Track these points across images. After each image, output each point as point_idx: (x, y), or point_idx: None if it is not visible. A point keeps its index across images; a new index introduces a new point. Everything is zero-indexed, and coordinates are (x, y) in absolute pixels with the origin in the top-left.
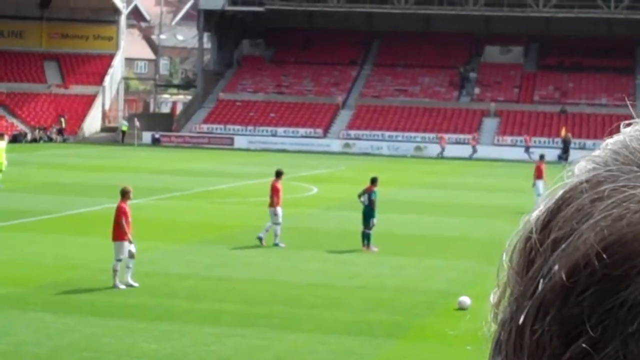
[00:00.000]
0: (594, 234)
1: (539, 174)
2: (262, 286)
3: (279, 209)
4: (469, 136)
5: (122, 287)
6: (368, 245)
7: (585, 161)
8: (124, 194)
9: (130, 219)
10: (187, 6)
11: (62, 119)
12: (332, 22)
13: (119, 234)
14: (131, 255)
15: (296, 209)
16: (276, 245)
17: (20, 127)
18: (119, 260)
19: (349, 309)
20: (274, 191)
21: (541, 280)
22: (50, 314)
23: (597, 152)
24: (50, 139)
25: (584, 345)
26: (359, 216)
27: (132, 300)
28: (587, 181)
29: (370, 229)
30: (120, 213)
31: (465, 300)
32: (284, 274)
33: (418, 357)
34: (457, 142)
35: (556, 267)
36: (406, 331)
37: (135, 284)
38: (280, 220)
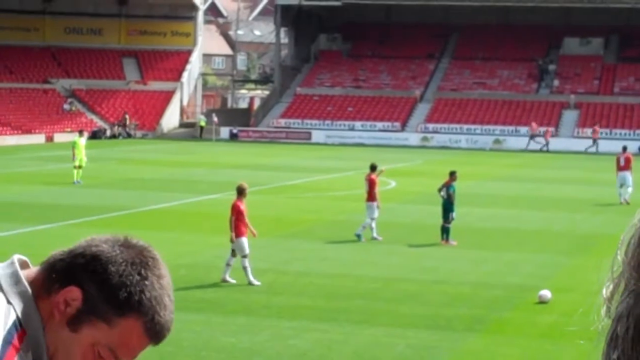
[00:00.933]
0: None
1: (626, 165)
2: (339, 280)
3: (375, 203)
4: (543, 129)
5: (257, 282)
6: (447, 239)
7: None
8: (240, 192)
9: (246, 218)
10: (264, 1)
11: (127, 116)
12: (409, 16)
13: (238, 231)
14: (243, 255)
15: None
16: (374, 239)
17: (100, 123)
18: (244, 256)
19: (427, 303)
20: (371, 185)
21: None
22: None
23: None
24: (129, 135)
25: None
26: (437, 210)
27: (210, 294)
28: None
29: (449, 222)
30: (233, 211)
31: (546, 293)
32: (361, 268)
33: (497, 352)
34: (537, 135)
35: None
36: (485, 325)
37: (257, 282)
38: (376, 214)
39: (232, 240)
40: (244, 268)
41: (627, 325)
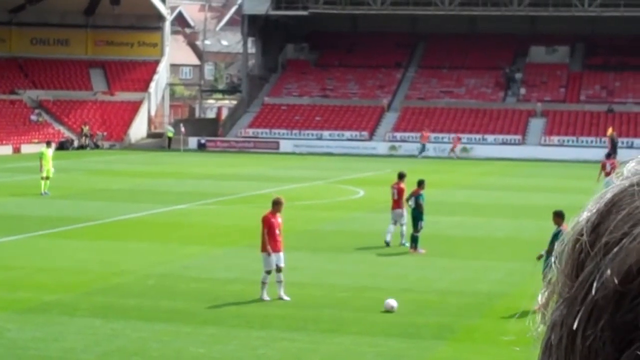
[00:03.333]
0: None
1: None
2: (309, 290)
3: (405, 210)
4: (515, 137)
5: (267, 298)
6: (415, 247)
7: (636, 162)
8: (275, 205)
9: (278, 231)
10: (231, 12)
11: (85, 127)
12: (376, 25)
13: (263, 245)
14: (278, 269)
15: (343, 212)
16: (402, 245)
17: (67, 134)
18: (268, 272)
19: (396, 311)
20: (400, 193)
21: (594, 285)
22: (98, 320)
23: None
24: (96, 146)
25: (638, 352)
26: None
27: (179, 304)
28: (638, 184)
29: (418, 231)
30: (264, 224)
31: (391, 302)
32: (330, 277)
33: (467, 359)
34: (504, 143)
35: (608, 272)
36: (454, 333)
37: (287, 298)
38: (405, 220)
39: (270, 253)
40: (262, 283)
41: (560, 334)
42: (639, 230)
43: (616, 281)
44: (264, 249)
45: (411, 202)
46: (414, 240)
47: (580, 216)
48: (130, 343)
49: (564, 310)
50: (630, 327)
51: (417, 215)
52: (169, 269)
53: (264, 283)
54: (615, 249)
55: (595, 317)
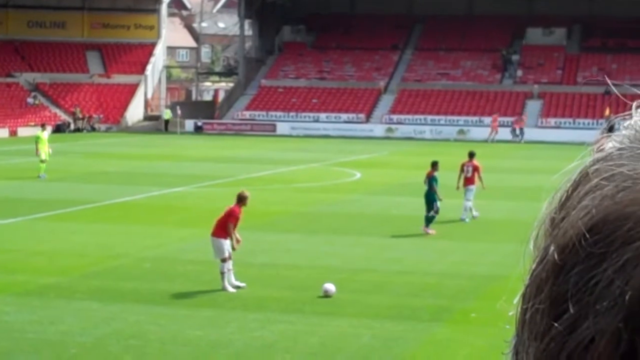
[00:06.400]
0: (584, 212)
1: None
2: (305, 272)
3: (475, 186)
4: (512, 119)
5: (232, 290)
6: (427, 226)
7: (605, 139)
8: (244, 199)
9: (237, 224)
10: None
11: (77, 109)
12: (373, 7)
13: (220, 232)
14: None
15: (339, 195)
16: (462, 220)
17: (64, 117)
18: (224, 260)
19: (393, 293)
20: (475, 169)
21: (544, 260)
22: (95, 303)
23: (621, 131)
24: (93, 129)
25: (567, 322)
26: (402, 200)
27: (176, 287)
28: (598, 160)
29: (435, 212)
30: (228, 216)
31: (330, 287)
32: (327, 259)
33: (463, 341)
34: (501, 125)
35: (552, 246)
36: (451, 315)
37: (242, 284)
38: (471, 196)
39: (233, 248)
40: (222, 273)
41: (517, 310)
42: (584, 204)
43: (556, 255)
44: (222, 235)
45: (426, 185)
46: (429, 220)
47: (556, 194)
48: (127, 326)
49: (522, 286)
50: (563, 298)
51: (430, 196)
52: (165, 251)
53: (223, 273)
54: (561, 224)
55: (538, 290)
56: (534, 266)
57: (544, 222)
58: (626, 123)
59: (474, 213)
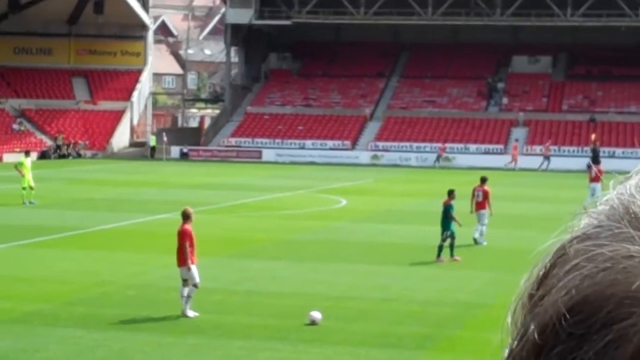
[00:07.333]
0: (564, 292)
1: (596, 177)
2: (291, 300)
3: (487, 211)
4: (498, 146)
5: (191, 315)
6: (452, 254)
7: (585, 215)
8: (186, 217)
9: (194, 242)
10: (214, 21)
11: (61, 136)
12: (359, 35)
13: (182, 259)
14: (195, 285)
15: (325, 222)
16: (480, 244)
17: (49, 143)
18: (195, 285)
19: (378, 321)
20: (485, 195)
21: (523, 338)
22: (80, 330)
23: (598, 207)
24: (79, 155)
25: None
26: (388, 228)
27: (161, 315)
28: (576, 238)
29: (443, 240)
30: (184, 236)
31: (316, 315)
32: (312, 287)
33: None
34: (486, 152)
35: (532, 325)
36: (435, 343)
37: (194, 314)
38: (486, 221)
39: (188, 268)
40: (188, 297)
41: None
42: (564, 283)
43: (536, 335)
44: (185, 262)
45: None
46: (443, 248)
47: (534, 270)
48: (112, 354)
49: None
50: None
51: (445, 223)
52: (150, 279)
53: (182, 297)
54: (540, 303)
55: None
56: (514, 344)
57: (521, 297)
58: (604, 198)
59: (476, 236)
